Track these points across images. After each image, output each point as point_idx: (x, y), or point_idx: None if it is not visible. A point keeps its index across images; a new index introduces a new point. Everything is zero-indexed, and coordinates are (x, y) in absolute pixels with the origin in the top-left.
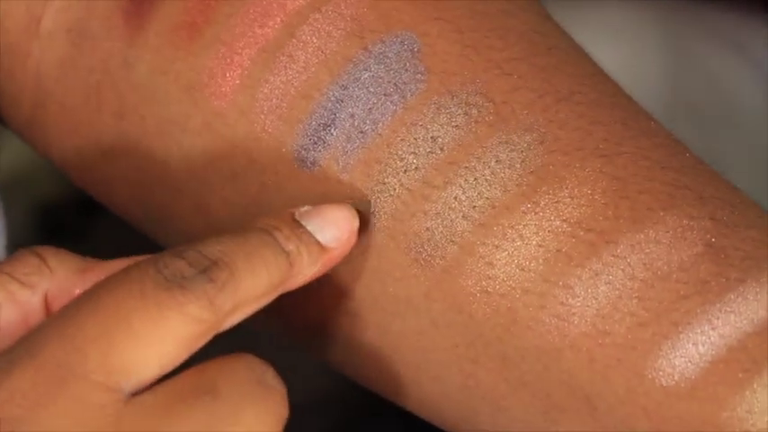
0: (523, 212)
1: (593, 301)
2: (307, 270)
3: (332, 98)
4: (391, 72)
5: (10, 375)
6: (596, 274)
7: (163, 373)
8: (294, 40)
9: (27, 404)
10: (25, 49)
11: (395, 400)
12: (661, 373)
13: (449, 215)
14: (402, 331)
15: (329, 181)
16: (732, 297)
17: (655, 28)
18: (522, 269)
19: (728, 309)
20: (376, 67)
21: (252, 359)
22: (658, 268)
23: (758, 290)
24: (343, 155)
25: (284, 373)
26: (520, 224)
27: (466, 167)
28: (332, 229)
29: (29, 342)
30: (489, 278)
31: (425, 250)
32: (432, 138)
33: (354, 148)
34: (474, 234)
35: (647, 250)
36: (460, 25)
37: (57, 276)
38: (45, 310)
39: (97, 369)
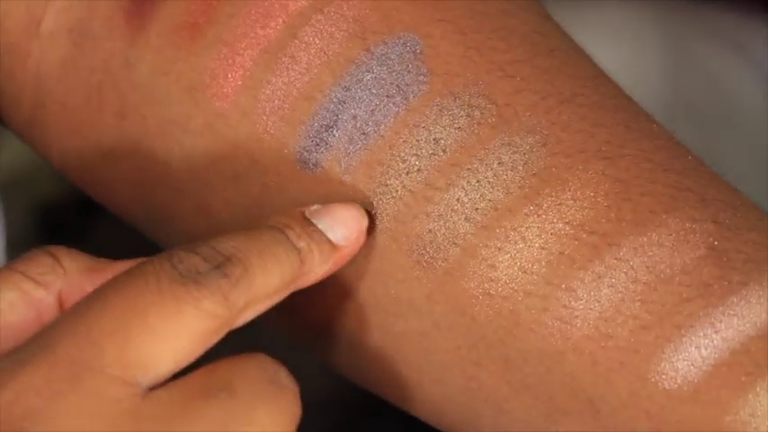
0: (526, 215)
1: (596, 304)
2: (318, 268)
3: (334, 99)
4: (394, 73)
5: (26, 369)
6: (599, 277)
7: (177, 369)
8: (296, 41)
9: (43, 398)
10: (25, 49)
11: (397, 402)
12: (664, 376)
13: (451, 217)
14: (404, 333)
15: (331, 182)
16: (735, 300)
17: (655, 28)
18: (525, 271)
19: (731, 312)
20: (378, 68)
21: (264, 358)
22: (661, 271)
23: (761, 293)
24: (345, 156)
25: None
26: (522, 226)
27: (468, 169)
28: (342, 227)
29: (44, 337)
30: (492, 280)
31: (428, 252)
32: (434, 139)
33: (356, 150)
34: (476, 236)
35: (650, 253)
36: (463, 26)
37: (70, 276)
38: (59, 309)
39: (114, 363)
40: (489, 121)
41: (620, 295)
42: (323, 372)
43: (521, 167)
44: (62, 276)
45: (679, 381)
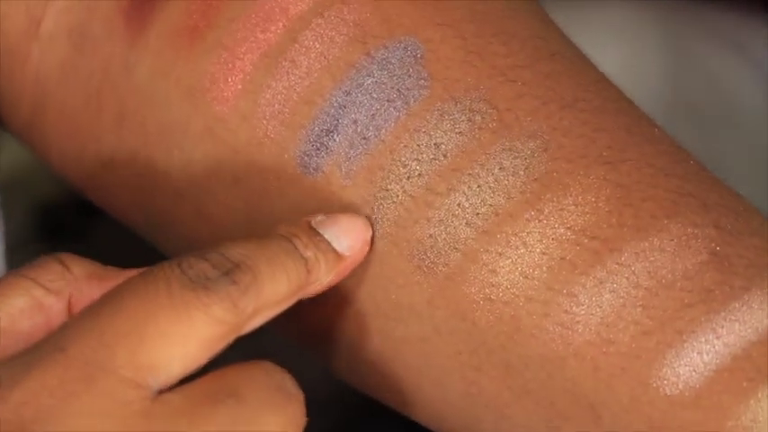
0: (527, 220)
1: (598, 310)
2: (323, 278)
3: (335, 104)
4: (394, 78)
5: (40, 369)
6: (600, 283)
7: (185, 374)
8: (296, 46)
9: (55, 398)
10: (25, 52)
11: (397, 407)
12: (665, 381)
13: (452, 222)
14: (405, 338)
15: (332, 187)
16: (736, 306)
17: (655, 28)
18: (526, 277)
19: (733, 317)
20: (379, 72)
21: (270, 366)
22: (662, 276)
23: (762, 298)
24: (345, 161)
25: None
26: (523, 232)
27: (469, 174)
28: (347, 238)
29: (57, 338)
30: (492, 286)
31: (428, 257)
32: (435, 144)
33: (357, 155)
34: (477, 241)
35: (652, 258)
36: (464, 31)
37: (79, 283)
38: (68, 315)
39: (126, 365)
40: (490, 125)
41: (621, 300)
42: (323, 372)
43: (522, 172)
44: (72, 283)
45: (681, 386)
